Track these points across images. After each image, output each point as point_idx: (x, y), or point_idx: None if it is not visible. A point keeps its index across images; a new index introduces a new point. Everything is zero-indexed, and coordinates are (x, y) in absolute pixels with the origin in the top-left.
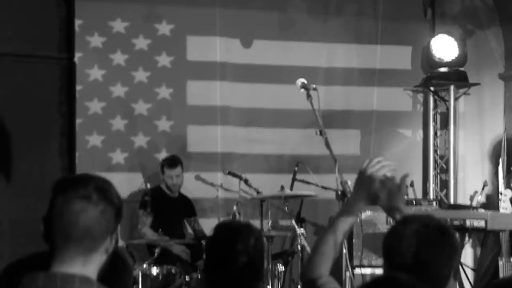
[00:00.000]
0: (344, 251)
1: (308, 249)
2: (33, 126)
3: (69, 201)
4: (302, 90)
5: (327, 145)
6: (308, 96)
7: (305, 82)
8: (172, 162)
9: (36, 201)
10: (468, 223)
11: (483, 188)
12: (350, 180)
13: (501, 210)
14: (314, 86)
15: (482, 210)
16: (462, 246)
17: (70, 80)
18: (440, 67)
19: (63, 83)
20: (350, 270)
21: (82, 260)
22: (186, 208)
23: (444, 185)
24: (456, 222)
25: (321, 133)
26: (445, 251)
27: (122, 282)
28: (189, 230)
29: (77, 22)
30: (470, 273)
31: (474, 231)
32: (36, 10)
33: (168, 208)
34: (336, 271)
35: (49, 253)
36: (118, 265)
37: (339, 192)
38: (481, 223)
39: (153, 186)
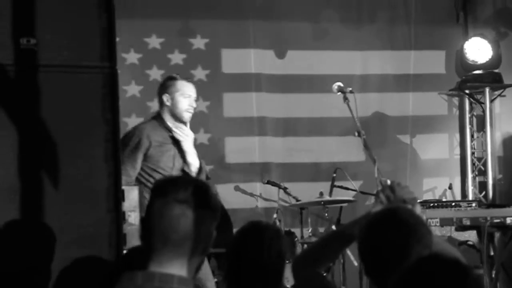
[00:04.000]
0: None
1: (350, 255)
2: (79, 133)
3: (169, 204)
4: (339, 93)
5: (366, 145)
6: (345, 99)
7: (342, 85)
8: None
9: (84, 206)
10: (508, 220)
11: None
12: (389, 180)
13: None
14: (350, 89)
15: None
16: (504, 244)
17: (113, 88)
18: (474, 69)
19: (106, 91)
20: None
21: (180, 262)
22: None
23: (483, 186)
24: (496, 220)
25: (359, 135)
26: None
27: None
28: None
29: None
30: None
31: None
32: (78, 21)
33: None
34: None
35: (145, 252)
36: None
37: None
38: None
39: None
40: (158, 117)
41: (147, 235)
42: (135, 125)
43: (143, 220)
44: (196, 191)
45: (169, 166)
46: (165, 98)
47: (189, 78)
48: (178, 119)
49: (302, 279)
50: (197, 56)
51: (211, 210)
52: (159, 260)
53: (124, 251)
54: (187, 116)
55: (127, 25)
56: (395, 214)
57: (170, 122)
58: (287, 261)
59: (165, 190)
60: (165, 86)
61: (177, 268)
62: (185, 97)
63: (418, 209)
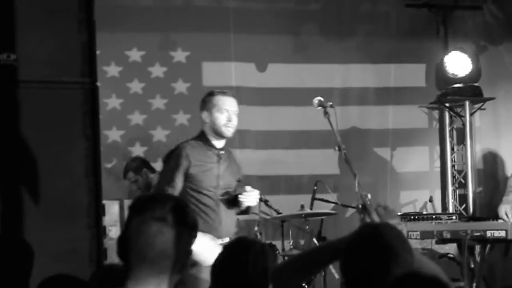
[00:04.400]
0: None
1: (331, 268)
2: (59, 149)
3: (145, 222)
4: (319, 108)
5: (346, 160)
6: (326, 113)
7: (322, 99)
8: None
9: (64, 221)
10: (488, 234)
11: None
12: (370, 194)
13: None
14: (330, 103)
15: (502, 221)
16: (483, 258)
17: (94, 104)
18: (455, 83)
19: (86, 107)
20: None
21: (157, 280)
22: None
23: (463, 199)
24: (476, 234)
25: (339, 149)
26: None
27: None
28: None
29: None
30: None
31: (495, 242)
32: (58, 37)
33: None
34: None
35: (123, 269)
36: None
37: (360, 206)
38: (502, 233)
39: None
40: (201, 135)
41: (124, 252)
42: (180, 142)
43: (121, 238)
44: (174, 209)
45: (213, 186)
46: (204, 115)
47: (226, 92)
48: (219, 135)
49: None
50: (178, 69)
51: (188, 228)
52: (136, 277)
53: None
54: (227, 131)
55: (108, 38)
56: (380, 235)
57: (213, 139)
58: None
59: (142, 208)
60: (203, 103)
61: (154, 286)
62: (222, 113)
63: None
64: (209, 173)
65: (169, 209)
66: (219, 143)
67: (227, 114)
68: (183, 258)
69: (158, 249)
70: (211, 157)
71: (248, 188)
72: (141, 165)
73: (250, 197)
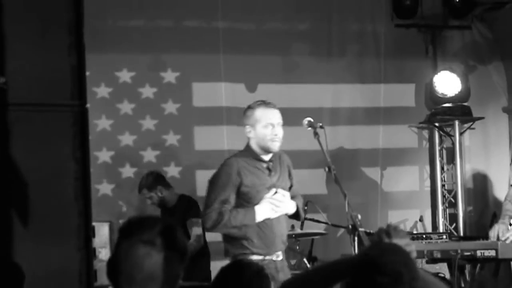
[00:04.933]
0: None
1: None
2: (49, 172)
3: (134, 245)
4: (309, 128)
5: (336, 180)
6: (315, 134)
7: (312, 120)
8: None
9: (54, 244)
10: (478, 253)
11: (492, 220)
12: (360, 214)
13: None
14: (320, 124)
15: (492, 240)
16: (473, 277)
17: (83, 126)
18: (444, 103)
19: (76, 129)
20: None
21: None
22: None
23: (454, 218)
24: (466, 253)
25: (329, 170)
26: None
27: None
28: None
29: None
30: None
31: (485, 261)
32: (48, 60)
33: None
34: None
35: None
36: None
37: (350, 226)
38: (492, 253)
39: None
40: (248, 149)
41: (114, 275)
42: (227, 159)
43: (110, 261)
44: (163, 232)
45: None
46: (247, 130)
47: (268, 103)
48: (266, 150)
49: None
50: (168, 89)
51: (177, 252)
52: None
53: None
54: (274, 146)
55: (97, 59)
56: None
57: (261, 153)
58: None
59: (131, 231)
60: (245, 117)
61: None
62: (267, 127)
63: (413, 252)
64: (261, 188)
65: (158, 232)
66: (267, 157)
67: (272, 128)
68: (171, 282)
69: (146, 271)
70: (261, 171)
71: (278, 195)
72: (155, 182)
73: (283, 204)
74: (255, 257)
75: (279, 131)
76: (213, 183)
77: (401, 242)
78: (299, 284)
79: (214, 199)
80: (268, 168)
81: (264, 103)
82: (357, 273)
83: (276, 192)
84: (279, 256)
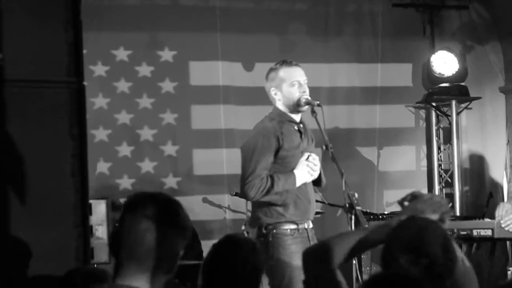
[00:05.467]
0: (354, 262)
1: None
2: (45, 149)
3: (137, 219)
4: (307, 107)
5: (333, 158)
6: (313, 112)
7: (309, 98)
8: None
9: (51, 221)
10: (475, 233)
11: (488, 200)
12: (357, 193)
13: None
14: (318, 102)
15: (488, 220)
16: (470, 257)
17: (80, 103)
18: (441, 82)
19: (73, 106)
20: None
21: (144, 277)
22: None
23: (450, 198)
24: (463, 233)
25: (327, 148)
26: None
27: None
28: None
29: None
30: None
31: (481, 241)
32: (45, 36)
33: None
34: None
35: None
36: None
37: (347, 205)
38: (488, 232)
39: None
40: (279, 113)
41: (116, 249)
42: (260, 122)
43: (113, 233)
44: (165, 208)
45: None
46: (273, 92)
47: (290, 62)
48: (295, 110)
49: (312, 275)
50: (165, 68)
51: (178, 228)
52: (124, 273)
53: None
54: (303, 101)
55: (94, 37)
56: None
57: (292, 114)
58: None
59: (135, 206)
60: (268, 80)
61: (141, 282)
62: (294, 85)
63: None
64: (296, 152)
65: (161, 208)
66: (297, 117)
67: (299, 85)
68: (169, 258)
69: (145, 245)
70: (295, 135)
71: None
72: None
73: (317, 168)
74: (289, 226)
75: (307, 89)
76: (250, 149)
77: (432, 210)
78: (326, 252)
79: (254, 166)
80: (299, 131)
81: (287, 62)
82: (387, 245)
83: (309, 156)
84: (309, 224)
